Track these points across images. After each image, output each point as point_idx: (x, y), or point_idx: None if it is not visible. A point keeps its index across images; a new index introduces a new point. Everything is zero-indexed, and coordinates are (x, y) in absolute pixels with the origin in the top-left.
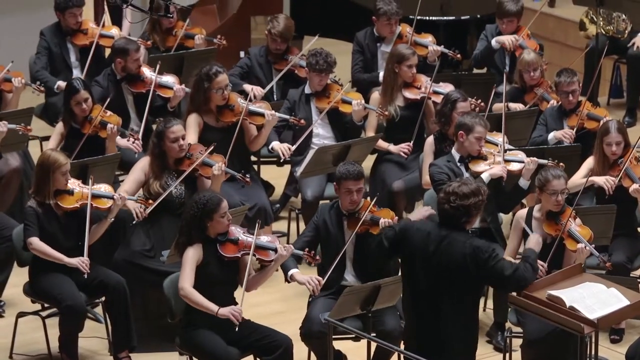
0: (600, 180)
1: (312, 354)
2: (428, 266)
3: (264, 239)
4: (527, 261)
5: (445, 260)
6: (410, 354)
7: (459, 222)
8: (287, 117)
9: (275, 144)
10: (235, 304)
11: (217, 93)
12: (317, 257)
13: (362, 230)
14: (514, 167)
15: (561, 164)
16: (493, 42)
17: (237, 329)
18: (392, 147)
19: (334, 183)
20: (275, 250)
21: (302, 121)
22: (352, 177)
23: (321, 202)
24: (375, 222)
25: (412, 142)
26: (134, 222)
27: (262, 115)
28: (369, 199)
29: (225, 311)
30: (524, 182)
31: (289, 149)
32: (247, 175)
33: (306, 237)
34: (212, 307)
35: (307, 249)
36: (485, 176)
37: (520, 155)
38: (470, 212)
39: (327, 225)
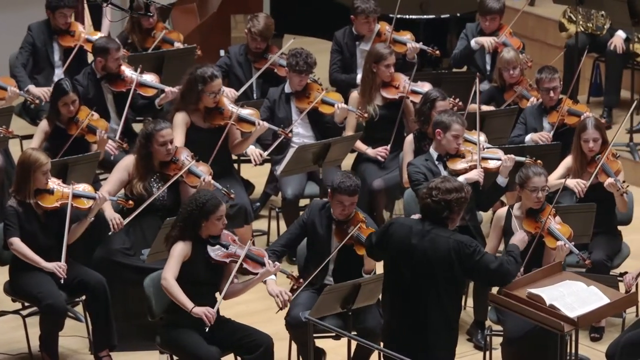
0: (571, 183)
1: (292, 353)
2: (411, 261)
3: (254, 250)
4: (511, 255)
5: (429, 255)
6: (390, 352)
7: (440, 216)
8: (276, 128)
9: (249, 149)
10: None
11: (210, 96)
12: (301, 280)
13: (348, 244)
14: (492, 164)
15: (539, 161)
16: (472, 42)
17: (207, 329)
18: (369, 151)
19: (328, 189)
20: (263, 264)
21: (290, 134)
22: (347, 192)
23: (313, 199)
24: (360, 242)
25: (391, 141)
26: (110, 233)
27: (252, 123)
28: (359, 212)
29: (198, 310)
30: (501, 180)
31: (261, 155)
32: (232, 191)
33: (291, 234)
34: (188, 304)
35: (294, 272)
36: (460, 180)
37: (498, 153)
38: (452, 208)
39: (316, 226)
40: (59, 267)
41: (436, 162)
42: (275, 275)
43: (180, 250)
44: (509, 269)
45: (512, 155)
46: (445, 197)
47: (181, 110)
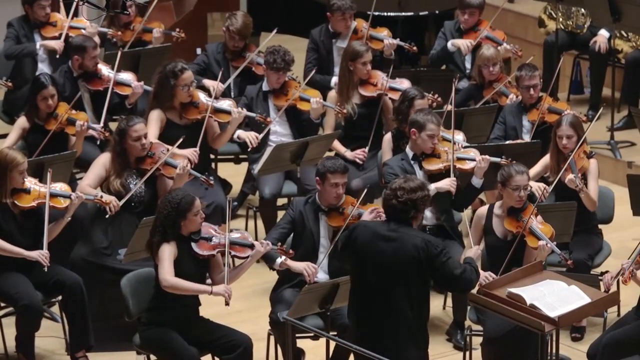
0: (534, 186)
1: (270, 353)
2: (378, 263)
3: (237, 235)
4: (472, 265)
5: (398, 254)
6: (368, 352)
7: (407, 216)
8: (254, 114)
9: (242, 132)
10: (199, 304)
11: (183, 90)
12: (290, 251)
13: (352, 224)
14: (467, 165)
15: (513, 162)
16: (449, 44)
17: (229, 307)
18: (348, 154)
19: (316, 178)
20: (252, 246)
21: (269, 119)
22: (340, 170)
23: (294, 197)
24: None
25: (370, 139)
26: (107, 216)
27: (228, 112)
28: (348, 196)
29: (219, 289)
30: (476, 181)
31: (257, 137)
32: (211, 178)
33: (283, 229)
34: (206, 288)
35: (279, 244)
36: (431, 188)
37: (473, 153)
38: (418, 207)
39: (304, 219)
40: (42, 254)
41: (412, 162)
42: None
43: (169, 252)
44: (471, 278)
45: (487, 156)
46: (411, 197)
47: (155, 109)
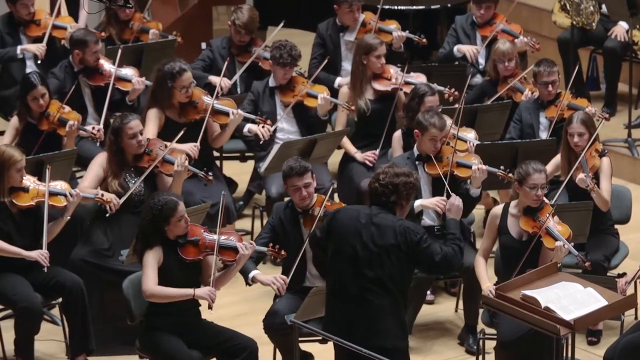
0: (581, 178)
1: (276, 357)
2: (357, 246)
3: (226, 238)
4: (455, 242)
5: (375, 240)
6: (375, 355)
7: (387, 200)
8: (253, 116)
9: (252, 126)
10: (199, 305)
11: (181, 91)
12: (283, 252)
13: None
14: (464, 173)
15: (510, 174)
16: (455, 49)
17: (211, 311)
18: (358, 155)
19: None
20: (237, 250)
21: (269, 121)
22: (296, 172)
23: (276, 203)
24: None
25: (382, 139)
26: (108, 215)
27: (226, 114)
28: (321, 195)
29: (202, 292)
30: (473, 191)
31: (269, 130)
32: (210, 174)
33: (263, 239)
34: (188, 291)
35: (271, 245)
36: (416, 205)
37: (474, 159)
38: (400, 192)
39: (284, 225)
40: (41, 254)
41: (416, 162)
42: (256, 268)
43: (152, 259)
44: (451, 261)
45: (484, 167)
46: (393, 181)
47: (153, 107)
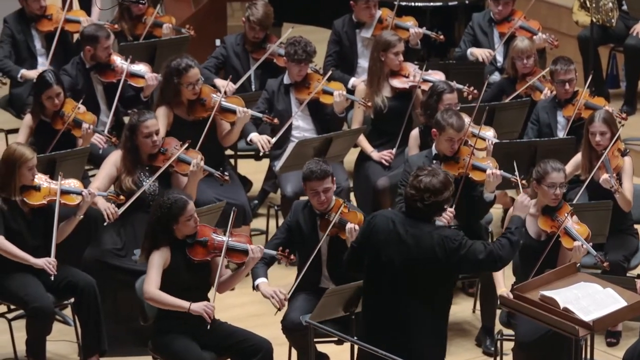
0: (605, 178)
1: (291, 358)
2: (390, 260)
3: (235, 240)
4: (506, 235)
5: (412, 252)
6: (394, 357)
7: (430, 218)
8: (260, 115)
9: (254, 136)
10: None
11: (188, 88)
12: (292, 257)
13: (333, 233)
14: (478, 176)
15: (524, 182)
16: (468, 53)
17: (208, 327)
18: (374, 154)
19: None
20: (247, 252)
21: (276, 120)
22: (316, 177)
23: (295, 201)
24: (342, 226)
25: (399, 138)
26: (105, 224)
27: (233, 112)
28: (339, 199)
29: (197, 307)
30: (486, 195)
31: (269, 141)
32: (226, 173)
33: (277, 240)
34: (183, 303)
35: (280, 248)
36: None
37: (490, 162)
38: (442, 208)
39: (301, 225)
40: (48, 262)
41: (434, 162)
42: (266, 276)
43: (158, 259)
44: (500, 255)
45: (498, 172)
46: (438, 199)
47: (162, 105)
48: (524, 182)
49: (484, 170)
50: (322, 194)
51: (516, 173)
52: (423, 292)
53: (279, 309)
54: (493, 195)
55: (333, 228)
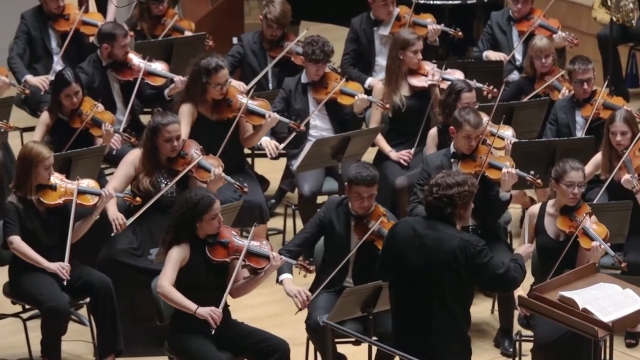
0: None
1: (309, 359)
2: (416, 260)
3: (257, 245)
4: (517, 262)
5: (434, 254)
6: (412, 358)
7: (444, 213)
8: (288, 121)
9: (264, 141)
10: (228, 305)
11: (216, 88)
12: (311, 268)
13: (369, 240)
14: (494, 175)
15: (539, 180)
16: (483, 56)
17: (213, 332)
18: (392, 154)
19: (345, 183)
20: (268, 258)
21: (302, 127)
22: (364, 182)
23: (329, 196)
24: (380, 235)
25: (418, 135)
26: (113, 234)
27: (261, 115)
28: (379, 207)
29: (203, 311)
30: (502, 194)
31: (277, 147)
32: (245, 185)
33: (307, 233)
34: (191, 305)
35: (301, 258)
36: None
37: (507, 162)
38: (455, 203)
39: (334, 223)
40: (61, 267)
41: (452, 160)
42: (291, 272)
43: (176, 255)
44: (515, 277)
45: (513, 170)
46: (446, 193)
47: (187, 102)
48: (538, 181)
49: (500, 169)
50: (366, 199)
51: (532, 172)
52: (445, 297)
53: (301, 309)
54: (509, 194)
55: (371, 235)
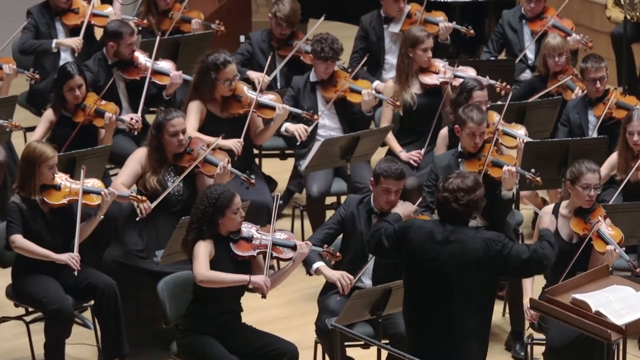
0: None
1: None
2: (434, 268)
3: (281, 236)
4: (544, 239)
5: (457, 258)
6: None
7: (467, 219)
8: (300, 111)
9: (290, 125)
10: (241, 310)
11: (225, 84)
12: (338, 254)
13: None
14: (496, 173)
15: (538, 179)
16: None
17: (265, 299)
18: (402, 154)
19: (371, 178)
20: (294, 247)
21: (316, 116)
22: (394, 176)
23: (350, 194)
24: None
25: (429, 135)
26: (138, 219)
27: (272, 108)
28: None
29: (258, 279)
30: (504, 193)
31: (306, 130)
32: (252, 177)
33: (329, 229)
34: (243, 277)
35: (325, 245)
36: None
37: (511, 160)
38: (479, 206)
39: (354, 221)
40: (72, 257)
41: (459, 160)
42: (322, 260)
43: (204, 248)
44: (544, 253)
45: (513, 169)
46: (473, 197)
47: (195, 100)
48: (538, 179)
49: (502, 167)
50: (394, 194)
51: (532, 170)
52: (469, 298)
53: (343, 294)
54: (511, 193)
55: None
